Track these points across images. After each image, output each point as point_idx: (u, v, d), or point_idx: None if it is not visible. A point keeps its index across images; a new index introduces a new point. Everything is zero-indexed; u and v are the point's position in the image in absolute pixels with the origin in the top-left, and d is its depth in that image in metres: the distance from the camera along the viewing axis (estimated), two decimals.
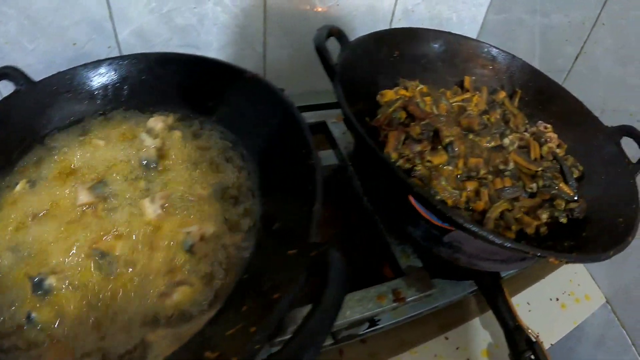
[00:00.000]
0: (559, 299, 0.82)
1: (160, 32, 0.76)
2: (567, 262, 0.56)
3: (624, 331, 0.83)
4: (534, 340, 0.63)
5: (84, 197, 0.52)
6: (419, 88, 0.74)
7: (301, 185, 0.47)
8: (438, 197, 0.65)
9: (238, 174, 0.57)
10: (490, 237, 0.48)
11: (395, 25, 0.97)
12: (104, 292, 0.45)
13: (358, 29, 0.91)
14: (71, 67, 0.61)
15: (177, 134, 0.60)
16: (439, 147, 0.68)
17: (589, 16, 0.85)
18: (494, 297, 0.68)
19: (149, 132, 0.60)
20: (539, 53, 0.94)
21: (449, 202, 0.64)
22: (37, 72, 0.60)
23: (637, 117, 0.80)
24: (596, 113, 0.85)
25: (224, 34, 0.82)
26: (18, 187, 0.54)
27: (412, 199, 0.61)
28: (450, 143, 0.68)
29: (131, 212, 0.51)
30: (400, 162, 0.66)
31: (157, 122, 0.60)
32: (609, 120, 0.83)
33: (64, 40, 0.71)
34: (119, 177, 0.55)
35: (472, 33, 1.06)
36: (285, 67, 0.92)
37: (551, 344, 0.74)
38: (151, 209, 0.51)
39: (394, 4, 0.94)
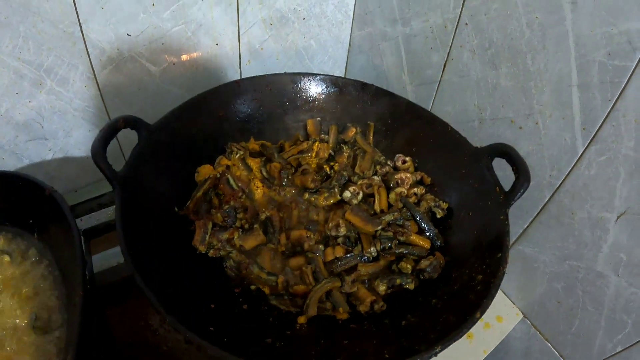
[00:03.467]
0: None
1: (5, 132, 0.73)
2: None
3: (549, 344, 0.75)
4: None
5: None
6: (239, 155, 0.64)
7: None
8: (253, 287, 0.55)
9: (51, 299, 0.56)
10: None
11: (245, 70, 0.87)
12: None
13: (204, 83, 0.83)
14: None
15: (5, 258, 0.60)
16: (256, 225, 0.58)
17: (450, 17, 0.73)
18: None
19: None
20: (407, 66, 0.83)
21: (266, 290, 0.55)
22: None
23: (518, 123, 0.68)
24: (474, 125, 0.74)
25: (65, 120, 0.78)
26: None
27: None
28: (268, 219, 0.58)
29: None
30: (211, 252, 0.57)
31: None
32: (489, 132, 0.72)
33: None
34: None
35: (340, 56, 0.95)
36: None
37: None
38: None
39: (237, 46, 0.84)
